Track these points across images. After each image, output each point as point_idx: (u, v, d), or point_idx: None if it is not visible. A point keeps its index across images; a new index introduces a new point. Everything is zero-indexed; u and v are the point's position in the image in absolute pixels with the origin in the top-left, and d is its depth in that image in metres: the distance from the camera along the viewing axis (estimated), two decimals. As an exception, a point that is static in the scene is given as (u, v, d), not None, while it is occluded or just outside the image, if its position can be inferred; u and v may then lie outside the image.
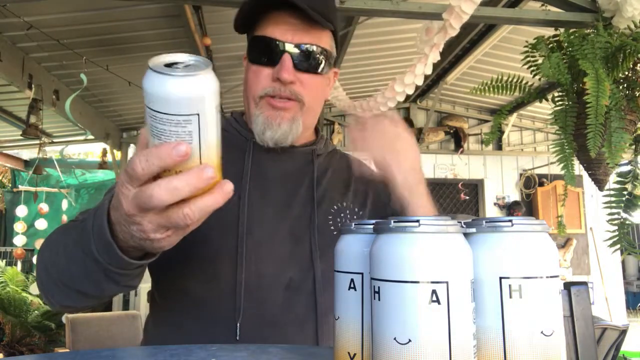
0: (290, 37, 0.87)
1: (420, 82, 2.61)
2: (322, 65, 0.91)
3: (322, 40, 0.91)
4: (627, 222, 1.80)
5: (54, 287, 0.72)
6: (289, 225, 0.90)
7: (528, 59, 1.93)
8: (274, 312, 0.83)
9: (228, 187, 0.51)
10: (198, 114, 0.47)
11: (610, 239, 1.82)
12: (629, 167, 1.82)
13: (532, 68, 1.92)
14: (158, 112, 0.47)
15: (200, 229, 0.75)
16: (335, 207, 0.95)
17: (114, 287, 0.67)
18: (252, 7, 0.89)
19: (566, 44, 1.86)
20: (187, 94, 0.46)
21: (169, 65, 0.48)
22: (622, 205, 1.81)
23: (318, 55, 0.90)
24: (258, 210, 0.89)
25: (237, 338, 0.81)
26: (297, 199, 0.93)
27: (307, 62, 0.89)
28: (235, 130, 0.99)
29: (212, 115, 0.48)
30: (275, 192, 0.93)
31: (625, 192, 1.81)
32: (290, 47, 0.87)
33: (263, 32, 0.88)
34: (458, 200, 5.93)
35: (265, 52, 0.88)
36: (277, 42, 0.87)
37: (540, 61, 1.88)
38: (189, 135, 0.48)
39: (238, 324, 0.81)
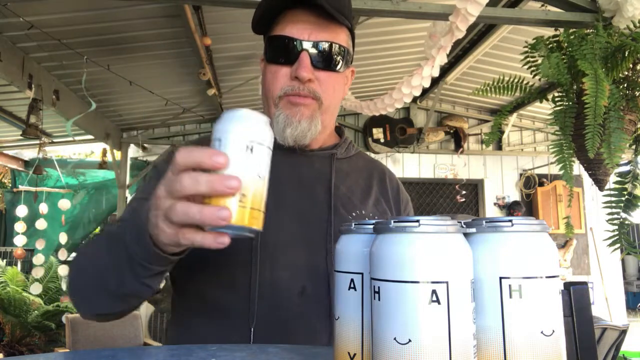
0: (307, 35, 0.86)
1: (427, 84, 2.62)
2: (339, 63, 0.90)
3: (339, 38, 0.90)
4: (627, 222, 1.80)
5: (80, 292, 0.78)
6: (304, 232, 0.88)
7: (528, 59, 1.94)
8: (288, 318, 0.82)
9: (222, 214, 0.52)
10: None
11: (609, 238, 1.82)
12: (628, 167, 1.82)
13: (532, 68, 1.93)
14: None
15: None
16: (354, 214, 0.93)
17: (135, 282, 0.67)
18: (268, 6, 0.88)
19: (566, 44, 1.86)
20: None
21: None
22: (622, 205, 1.81)
23: (336, 53, 0.89)
24: (273, 215, 0.86)
25: (252, 343, 0.80)
26: (313, 205, 0.91)
27: (324, 60, 0.88)
28: None
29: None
30: (291, 197, 0.90)
31: (625, 192, 1.81)
32: (307, 45, 0.86)
33: (280, 32, 0.87)
34: (457, 200, 5.93)
35: (283, 51, 0.87)
36: (295, 41, 0.86)
37: (539, 61, 1.88)
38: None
39: (252, 329, 0.81)
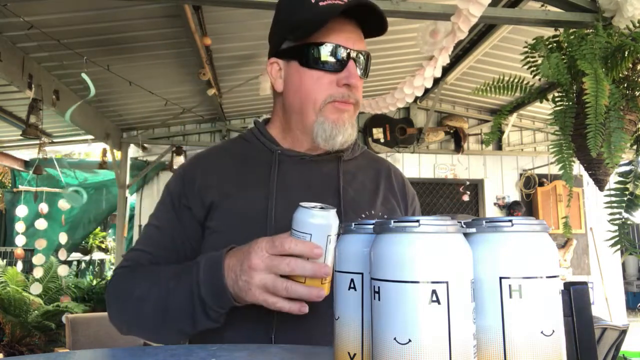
0: (352, 44, 0.91)
1: (429, 84, 2.61)
2: (369, 70, 0.97)
3: (365, 46, 0.95)
4: (628, 222, 1.80)
5: (141, 328, 0.86)
6: None
7: (528, 59, 1.93)
8: (307, 322, 0.83)
9: (321, 293, 0.71)
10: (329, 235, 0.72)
11: (611, 238, 1.82)
12: (630, 167, 1.82)
13: (532, 68, 1.92)
14: (300, 232, 0.72)
15: (231, 243, 0.81)
16: (363, 215, 0.94)
17: (208, 322, 0.78)
18: (316, 12, 0.87)
19: (566, 44, 1.86)
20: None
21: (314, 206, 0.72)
22: (624, 205, 1.80)
23: (369, 61, 0.96)
24: (285, 223, 0.87)
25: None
26: None
27: (363, 68, 0.94)
28: (259, 142, 0.98)
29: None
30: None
31: (626, 192, 1.80)
32: (354, 54, 0.91)
33: (325, 39, 0.89)
34: (458, 200, 5.93)
35: (329, 59, 0.90)
36: (343, 49, 0.90)
37: (539, 61, 1.88)
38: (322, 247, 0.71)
39: (274, 330, 0.82)
